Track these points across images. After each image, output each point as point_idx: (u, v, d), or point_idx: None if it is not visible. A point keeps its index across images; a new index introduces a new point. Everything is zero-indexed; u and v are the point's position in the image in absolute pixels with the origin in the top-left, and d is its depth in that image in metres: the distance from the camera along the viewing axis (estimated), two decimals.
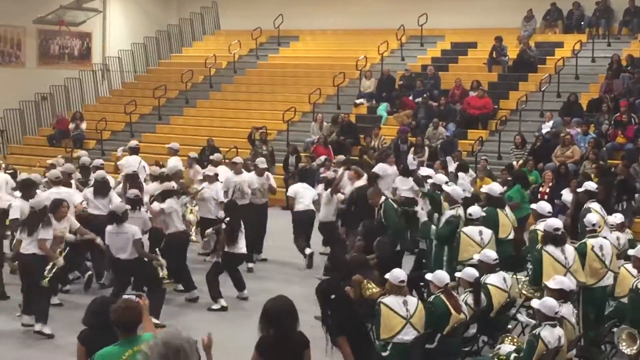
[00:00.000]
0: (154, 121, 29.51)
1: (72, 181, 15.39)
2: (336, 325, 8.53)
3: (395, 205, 13.67)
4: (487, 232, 12.02)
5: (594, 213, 12.18)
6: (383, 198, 13.66)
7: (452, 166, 19.56)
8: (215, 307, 13.24)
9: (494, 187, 13.65)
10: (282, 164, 23.48)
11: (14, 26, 30.87)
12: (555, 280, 9.54)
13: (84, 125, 28.46)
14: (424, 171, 15.92)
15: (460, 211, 12.41)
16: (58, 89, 31.37)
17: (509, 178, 18.65)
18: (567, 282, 9.56)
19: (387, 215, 13.23)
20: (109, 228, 12.37)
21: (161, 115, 29.60)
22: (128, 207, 12.84)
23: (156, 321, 7.12)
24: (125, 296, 6.96)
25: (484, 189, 14.09)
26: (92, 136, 28.17)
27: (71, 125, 28.42)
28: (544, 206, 12.56)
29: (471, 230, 11.97)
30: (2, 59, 30.90)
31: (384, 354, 9.24)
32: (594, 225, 11.34)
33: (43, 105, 31.14)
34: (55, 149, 26.88)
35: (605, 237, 11.52)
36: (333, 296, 8.57)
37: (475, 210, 12.25)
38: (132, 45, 33.50)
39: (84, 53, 33.44)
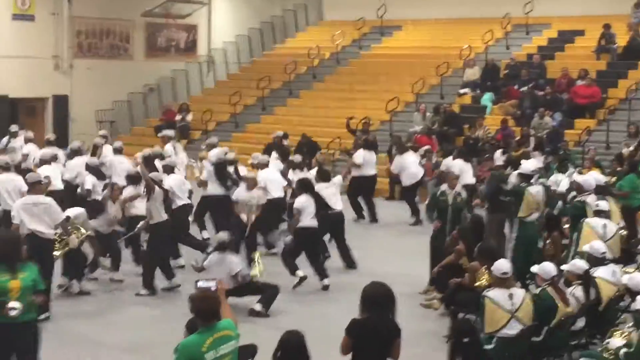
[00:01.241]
0: (258, 112, 29.80)
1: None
2: None
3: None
4: (611, 227, 11.81)
5: None
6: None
7: (539, 160, 19.11)
8: (296, 281, 13.49)
9: (592, 177, 13.36)
10: (386, 154, 23.41)
11: (123, 20, 31.60)
12: None
13: (189, 117, 28.91)
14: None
15: (589, 200, 12.23)
16: (165, 80, 32.00)
17: (618, 168, 18.21)
18: None
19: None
20: (213, 256, 12.39)
21: (265, 105, 29.87)
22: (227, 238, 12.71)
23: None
24: (201, 284, 6.95)
25: (578, 178, 13.76)
26: (198, 127, 28.60)
27: (177, 117, 28.93)
28: None
29: (595, 222, 11.80)
30: (111, 52, 31.65)
31: (488, 347, 9.14)
32: None
33: (150, 97, 31.81)
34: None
35: None
36: (466, 339, 8.12)
37: (602, 203, 12.09)
38: (237, 36, 33.91)
39: (189, 45, 33.98)
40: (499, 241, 14.09)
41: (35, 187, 12.34)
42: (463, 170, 18.07)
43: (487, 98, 26.17)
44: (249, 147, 25.82)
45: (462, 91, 27.14)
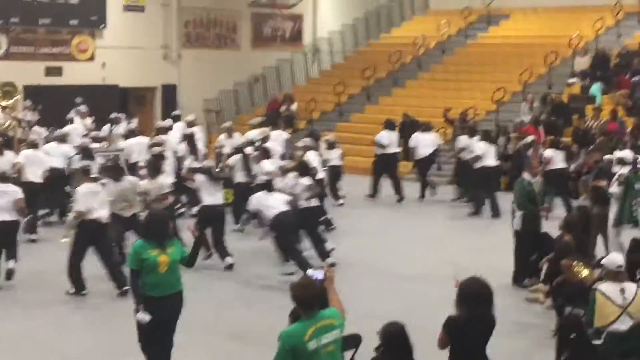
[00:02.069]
0: (362, 101, 29.75)
1: None
2: None
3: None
4: None
5: None
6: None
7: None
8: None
9: None
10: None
11: (230, 10, 31.95)
12: None
13: (294, 106, 29.05)
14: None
15: None
16: (270, 70, 32.23)
17: None
18: None
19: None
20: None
21: (370, 95, 29.80)
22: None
23: None
24: (310, 272, 6.98)
25: None
26: (303, 116, 28.73)
27: (282, 107, 29.11)
28: None
29: None
30: (218, 41, 32.04)
31: (597, 342, 8.91)
32: None
33: (256, 86, 32.09)
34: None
35: None
36: (573, 335, 7.91)
37: None
38: (342, 26, 33.91)
39: (295, 35, 34.15)
40: (603, 233, 13.76)
41: (88, 175, 13.35)
42: (486, 153, 18.94)
43: (596, 88, 25.51)
44: (353, 136, 25.87)
45: (570, 81, 26.56)
